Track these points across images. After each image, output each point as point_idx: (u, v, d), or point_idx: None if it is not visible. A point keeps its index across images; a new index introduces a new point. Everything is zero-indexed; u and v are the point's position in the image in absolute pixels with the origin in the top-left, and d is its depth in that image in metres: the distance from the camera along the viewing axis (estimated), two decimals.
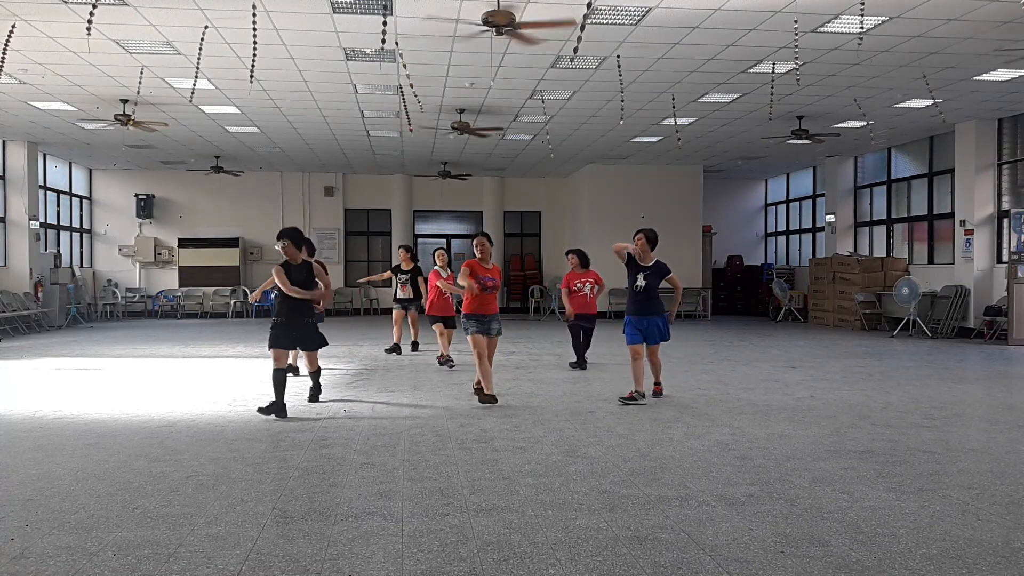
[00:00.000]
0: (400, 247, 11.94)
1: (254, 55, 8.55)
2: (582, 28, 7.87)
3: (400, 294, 11.55)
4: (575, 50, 8.45)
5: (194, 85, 10.69)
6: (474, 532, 3.87)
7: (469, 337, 7.40)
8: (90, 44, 9.20)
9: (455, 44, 9.47)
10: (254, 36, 8.03)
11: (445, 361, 10.23)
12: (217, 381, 9.02)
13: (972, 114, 13.67)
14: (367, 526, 3.96)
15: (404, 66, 9.84)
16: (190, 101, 11.73)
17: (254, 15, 7.78)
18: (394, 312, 11.67)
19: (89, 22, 7.32)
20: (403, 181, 21.68)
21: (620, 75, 10.55)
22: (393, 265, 11.94)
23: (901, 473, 4.95)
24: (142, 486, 4.68)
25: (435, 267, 10.61)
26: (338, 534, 3.84)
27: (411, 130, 12.84)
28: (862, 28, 8.73)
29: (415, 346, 11.99)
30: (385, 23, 7.70)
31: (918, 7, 8.22)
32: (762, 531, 3.87)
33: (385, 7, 7.97)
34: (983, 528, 3.91)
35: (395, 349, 11.66)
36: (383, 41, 7.87)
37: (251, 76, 9.20)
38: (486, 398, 7.27)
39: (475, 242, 7.56)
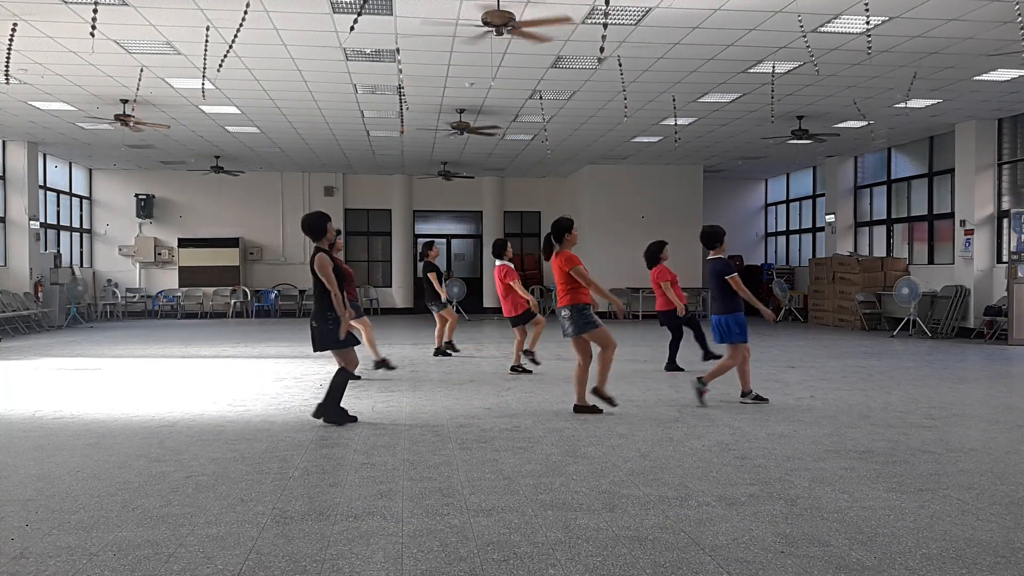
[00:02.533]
0: (432, 242, 11.45)
1: (235, 38, 8.45)
2: (604, 27, 7.87)
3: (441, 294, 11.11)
4: (601, 50, 8.41)
5: (203, 86, 10.58)
6: (474, 532, 3.86)
7: (601, 330, 6.74)
8: (91, 44, 9.20)
9: (455, 44, 9.47)
10: (241, 21, 7.96)
11: (533, 360, 9.61)
12: (217, 381, 9.02)
13: (972, 114, 13.67)
14: (367, 526, 3.96)
15: (400, 69, 9.84)
16: (203, 98, 11.57)
17: (247, 9, 7.74)
18: (444, 312, 11.02)
19: (93, 25, 7.31)
20: (403, 181, 21.69)
21: (622, 75, 10.55)
22: (433, 266, 11.05)
23: (901, 473, 4.95)
24: (142, 486, 4.67)
25: (504, 262, 9.70)
26: (338, 534, 3.84)
27: (403, 132, 12.81)
28: (868, 33, 8.72)
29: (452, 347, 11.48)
30: (356, 20, 7.68)
31: (918, 7, 8.22)
32: (762, 531, 3.87)
33: (363, 7, 7.95)
34: (983, 528, 3.91)
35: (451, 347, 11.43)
36: (351, 29, 7.83)
37: (224, 57, 9.02)
38: (611, 401, 6.97)
39: (575, 229, 6.92)
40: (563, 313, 6.86)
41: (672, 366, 9.76)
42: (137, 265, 20.68)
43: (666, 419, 6.69)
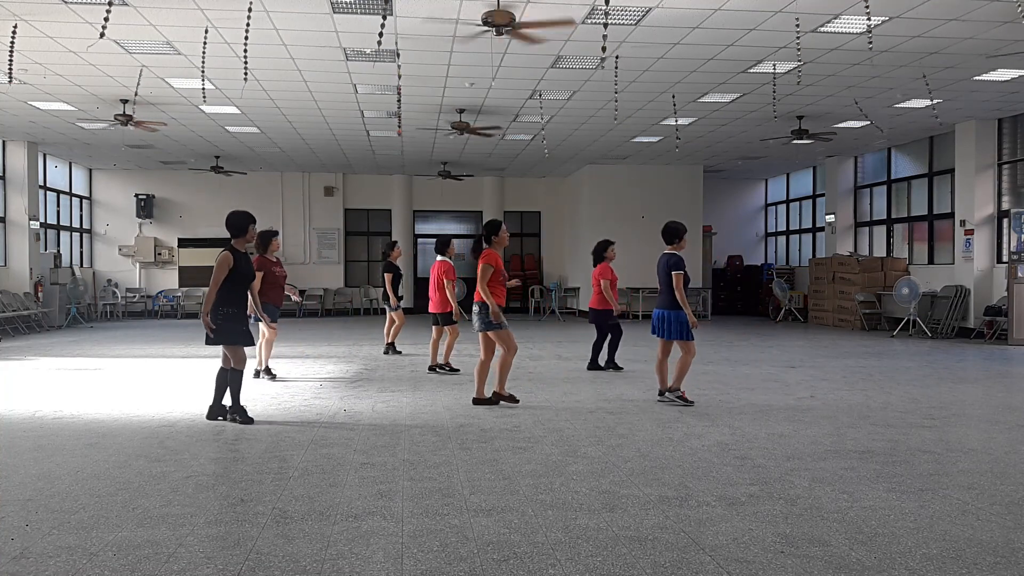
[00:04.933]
0: (396, 242, 11.61)
1: (245, 51, 8.52)
2: (605, 26, 7.86)
3: (401, 291, 11.23)
4: (603, 50, 8.40)
5: (203, 86, 10.63)
6: (474, 532, 3.87)
7: (504, 332, 7.10)
8: (91, 44, 9.20)
9: (455, 44, 9.47)
10: (246, 32, 7.99)
11: (451, 369, 9.67)
12: None
13: (972, 114, 13.67)
14: (367, 526, 3.96)
15: (399, 67, 9.83)
16: (204, 100, 11.68)
17: (249, 11, 7.75)
18: (394, 314, 11.18)
19: (103, 27, 7.32)
20: (403, 181, 21.69)
21: (616, 76, 10.55)
22: (391, 267, 11.15)
23: (901, 473, 4.95)
24: (142, 486, 4.67)
25: (444, 259, 9.60)
26: (338, 534, 3.84)
27: (400, 133, 12.81)
28: (870, 30, 8.73)
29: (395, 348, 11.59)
30: (384, 22, 7.66)
31: (918, 7, 8.22)
32: (762, 531, 3.87)
33: (382, 5, 7.97)
34: (983, 528, 3.91)
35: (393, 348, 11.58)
36: (380, 39, 7.84)
37: (245, 74, 9.12)
38: (512, 399, 7.32)
39: (502, 230, 7.28)
40: (475, 308, 7.21)
41: (595, 365, 9.77)
42: (137, 265, 20.68)
43: (666, 419, 6.69)
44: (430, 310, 9.72)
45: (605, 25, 7.97)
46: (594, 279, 9.77)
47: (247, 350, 6.73)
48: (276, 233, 9.30)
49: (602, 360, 9.86)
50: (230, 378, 6.63)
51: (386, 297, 11.14)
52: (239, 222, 6.71)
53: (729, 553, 3.58)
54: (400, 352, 11.65)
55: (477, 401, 7.37)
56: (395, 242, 11.69)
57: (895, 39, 9.26)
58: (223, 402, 6.68)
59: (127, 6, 8.10)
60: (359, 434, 6.13)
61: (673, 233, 7.44)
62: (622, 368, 9.84)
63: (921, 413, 6.99)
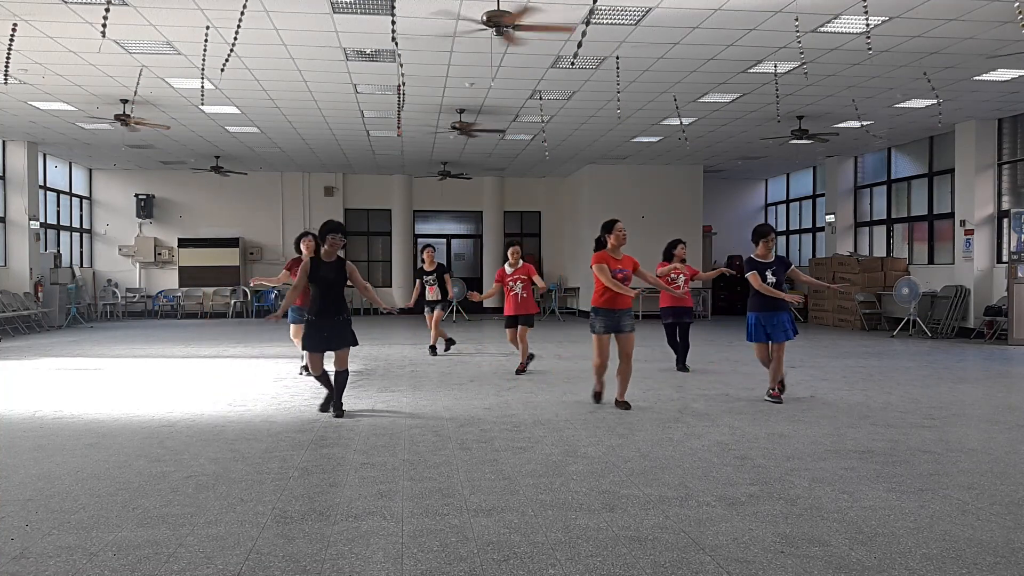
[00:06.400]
0: (427, 247, 11.90)
1: (232, 46, 8.51)
2: (586, 24, 7.88)
3: (429, 296, 11.60)
4: (579, 44, 8.41)
5: (202, 87, 10.68)
6: (474, 532, 3.87)
7: (594, 338, 7.10)
8: (91, 44, 9.21)
9: (455, 44, 9.47)
10: (238, 25, 7.98)
11: (527, 360, 9.79)
12: (217, 381, 9.02)
13: (972, 114, 13.67)
14: (367, 526, 3.96)
15: (401, 67, 9.83)
16: (201, 102, 11.76)
17: (243, 9, 7.73)
18: (427, 314, 11.70)
19: (104, 26, 7.32)
20: (403, 181, 21.69)
21: (618, 76, 10.54)
22: (416, 269, 11.93)
23: (901, 473, 4.95)
24: (142, 486, 4.68)
25: (505, 265, 9.95)
26: (338, 534, 3.84)
27: (400, 134, 12.84)
28: (868, 28, 8.73)
29: (451, 343, 11.87)
30: (394, 23, 7.68)
31: (918, 7, 8.22)
32: (762, 531, 3.87)
33: (382, 7, 7.98)
34: (983, 528, 3.91)
35: (434, 350, 11.77)
36: (394, 40, 7.85)
37: (227, 60, 9.06)
38: (622, 404, 7.16)
39: (615, 228, 7.06)
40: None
41: (682, 366, 9.82)
42: (137, 265, 20.68)
43: (666, 419, 6.69)
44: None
45: (587, 23, 7.96)
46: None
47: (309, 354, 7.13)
48: (306, 234, 9.27)
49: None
50: (334, 380, 7.02)
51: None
52: (320, 231, 6.86)
53: (729, 553, 3.58)
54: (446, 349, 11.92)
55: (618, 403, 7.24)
56: (424, 246, 12.05)
57: (895, 39, 9.26)
58: (336, 398, 7.00)
59: (127, 6, 8.10)
60: (359, 434, 6.13)
61: (752, 235, 7.80)
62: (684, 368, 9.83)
63: (921, 413, 6.99)
